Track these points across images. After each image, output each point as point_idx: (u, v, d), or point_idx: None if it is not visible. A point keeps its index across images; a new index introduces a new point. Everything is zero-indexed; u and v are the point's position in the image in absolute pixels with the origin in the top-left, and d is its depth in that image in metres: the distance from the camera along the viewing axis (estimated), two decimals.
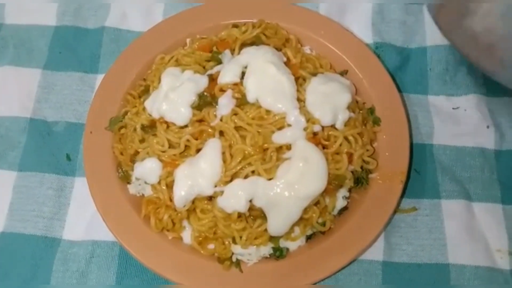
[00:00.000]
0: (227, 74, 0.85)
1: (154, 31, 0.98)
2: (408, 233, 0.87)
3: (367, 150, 0.87)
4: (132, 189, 0.86)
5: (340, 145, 0.83)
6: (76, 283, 0.84)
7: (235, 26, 0.95)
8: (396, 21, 1.05)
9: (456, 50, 0.68)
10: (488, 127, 0.95)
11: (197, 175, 0.80)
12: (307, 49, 0.97)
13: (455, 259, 0.85)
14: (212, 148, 0.81)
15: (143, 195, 0.86)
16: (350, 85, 0.91)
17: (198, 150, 0.82)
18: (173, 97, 0.84)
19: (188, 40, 0.97)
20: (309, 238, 0.84)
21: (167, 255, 0.81)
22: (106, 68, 0.96)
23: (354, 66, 0.94)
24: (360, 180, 0.85)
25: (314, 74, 0.88)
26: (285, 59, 0.88)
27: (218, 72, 0.86)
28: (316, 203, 0.81)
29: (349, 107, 0.86)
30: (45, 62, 1.01)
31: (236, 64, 0.85)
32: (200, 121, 0.84)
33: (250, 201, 0.79)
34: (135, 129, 0.87)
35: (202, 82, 0.85)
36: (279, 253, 0.82)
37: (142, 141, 0.86)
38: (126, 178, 0.86)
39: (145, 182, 0.85)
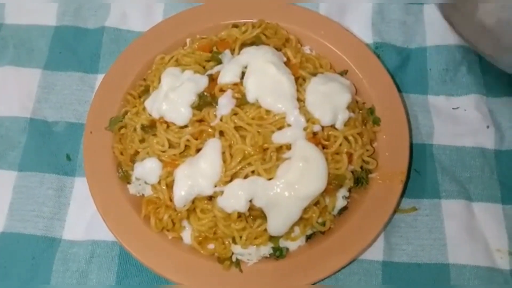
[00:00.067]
0: (227, 74, 0.85)
1: (154, 31, 0.98)
2: (408, 233, 0.87)
3: (367, 150, 0.87)
4: (132, 189, 0.86)
5: (340, 145, 0.83)
6: (76, 283, 0.84)
7: (235, 26, 0.95)
8: (396, 21, 1.05)
9: (471, 47, 0.67)
10: (488, 127, 0.95)
11: (197, 175, 0.80)
12: (307, 49, 0.97)
13: (455, 259, 0.85)
14: (212, 148, 0.81)
15: (143, 195, 0.86)
16: (350, 85, 0.91)
17: (198, 150, 0.82)
18: (173, 97, 0.84)
19: (188, 40, 0.97)
20: (309, 238, 0.84)
21: (167, 255, 0.81)
22: (106, 68, 0.96)
23: (354, 66, 0.94)
24: (360, 180, 0.85)
25: (314, 74, 0.88)
26: (285, 59, 0.88)
27: (218, 72, 0.86)
28: (316, 203, 0.81)
29: (349, 107, 0.86)
30: (45, 62, 1.01)
31: (236, 64, 0.85)
32: (200, 121, 0.84)
33: (250, 201, 0.79)
34: (135, 129, 0.87)
35: (202, 82, 0.85)
36: (279, 253, 0.82)
37: (142, 141, 0.86)
38: (126, 178, 0.86)
39: (145, 182, 0.85)
